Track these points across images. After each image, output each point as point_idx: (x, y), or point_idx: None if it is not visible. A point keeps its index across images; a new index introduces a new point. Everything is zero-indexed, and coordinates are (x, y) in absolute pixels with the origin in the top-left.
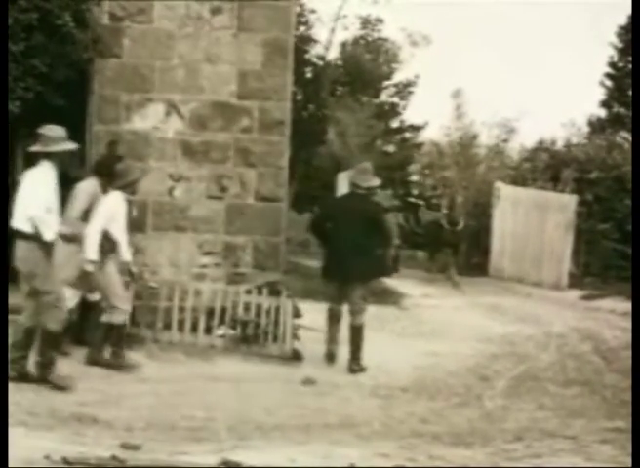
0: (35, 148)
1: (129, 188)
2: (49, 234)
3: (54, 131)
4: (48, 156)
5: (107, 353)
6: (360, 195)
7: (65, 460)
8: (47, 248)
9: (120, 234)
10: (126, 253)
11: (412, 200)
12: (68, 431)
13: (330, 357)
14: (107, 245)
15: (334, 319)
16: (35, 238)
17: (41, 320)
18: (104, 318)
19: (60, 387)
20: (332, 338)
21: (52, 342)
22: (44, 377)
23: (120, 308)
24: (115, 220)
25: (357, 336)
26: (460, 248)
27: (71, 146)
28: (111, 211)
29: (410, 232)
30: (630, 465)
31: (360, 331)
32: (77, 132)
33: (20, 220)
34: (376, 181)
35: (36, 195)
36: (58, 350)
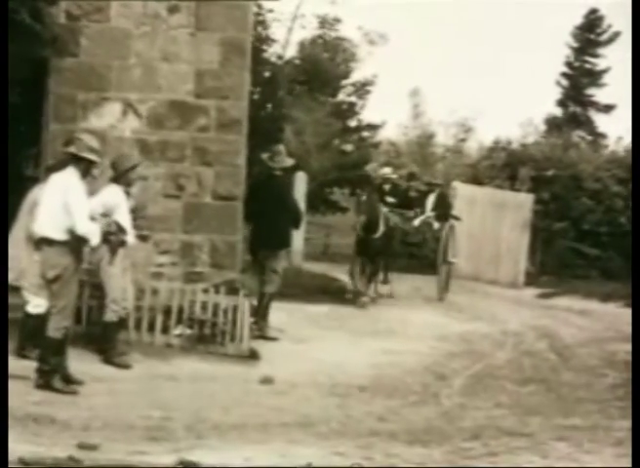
0: (71, 150)
1: (123, 179)
2: (95, 240)
3: (91, 140)
4: (76, 163)
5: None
6: (274, 176)
7: (22, 460)
8: (77, 254)
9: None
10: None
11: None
12: (25, 431)
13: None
14: (116, 239)
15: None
16: (66, 244)
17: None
18: (104, 317)
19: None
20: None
21: (53, 349)
22: (47, 385)
23: (113, 308)
24: (117, 213)
25: (264, 302)
26: (379, 262)
27: (101, 158)
28: (106, 203)
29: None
30: (631, 465)
31: (268, 298)
32: (33, 131)
33: (51, 229)
34: (288, 161)
35: (77, 208)
36: (60, 357)
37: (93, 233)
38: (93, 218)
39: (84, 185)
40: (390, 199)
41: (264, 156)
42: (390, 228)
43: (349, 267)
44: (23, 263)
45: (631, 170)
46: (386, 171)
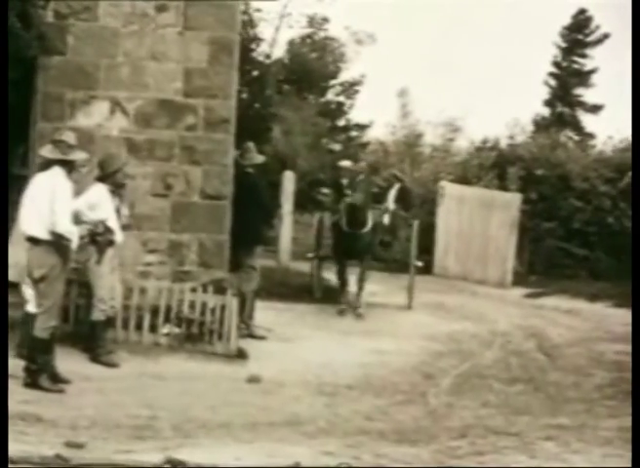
0: (53, 155)
1: (110, 179)
2: (75, 240)
3: (71, 138)
4: (61, 162)
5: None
6: (246, 173)
7: (9, 459)
8: (64, 253)
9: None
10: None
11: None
12: (12, 430)
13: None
14: (103, 239)
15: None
16: (52, 243)
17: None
18: (92, 316)
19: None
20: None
21: (41, 348)
22: (34, 383)
23: (101, 307)
24: (104, 211)
25: (246, 300)
26: (367, 263)
27: (85, 156)
28: (92, 202)
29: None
30: (631, 465)
31: (250, 297)
32: (21, 129)
33: (37, 229)
34: (259, 158)
35: (61, 207)
36: (48, 356)
37: (72, 233)
38: (78, 218)
39: (70, 184)
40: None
41: (235, 154)
42: (376, 223)
43: (338, 271)
44: (23, 261)
45: (632, 170)
46: (345, 163)
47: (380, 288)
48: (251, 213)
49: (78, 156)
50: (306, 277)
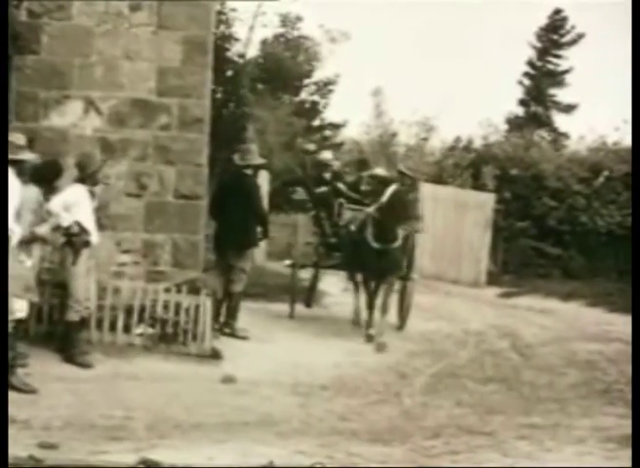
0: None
1: (90, 180)
2: (15, 241)
3: (20, 139)
4: (11, 163)
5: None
6: (244, 175)
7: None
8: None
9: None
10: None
11: (326, 189)
12: None
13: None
14: (79, 240)
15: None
16: None
17: None
18: (66, 317)
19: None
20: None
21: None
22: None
23: (76, 307)
24: (81, 212)
25: (233, 302)
26: (394, 278)
27: (34, 156)
28: (68, 202)
29: (323, 242)
30: (631, 465)
31: (236, 298)
32: None
33: None
34: (259, 160)
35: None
36: (15, 352)
37: (11, 230)
38: (50, 215)
39: (18, 184)
40: (351, 194)
41: (235, 156)
42: (408, 236)
43: (355, 296)
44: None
45: (632, 169)
46: (327, 156)
47: None
48: (247, 215)
49: (27, 156)
50: (281, 277)
